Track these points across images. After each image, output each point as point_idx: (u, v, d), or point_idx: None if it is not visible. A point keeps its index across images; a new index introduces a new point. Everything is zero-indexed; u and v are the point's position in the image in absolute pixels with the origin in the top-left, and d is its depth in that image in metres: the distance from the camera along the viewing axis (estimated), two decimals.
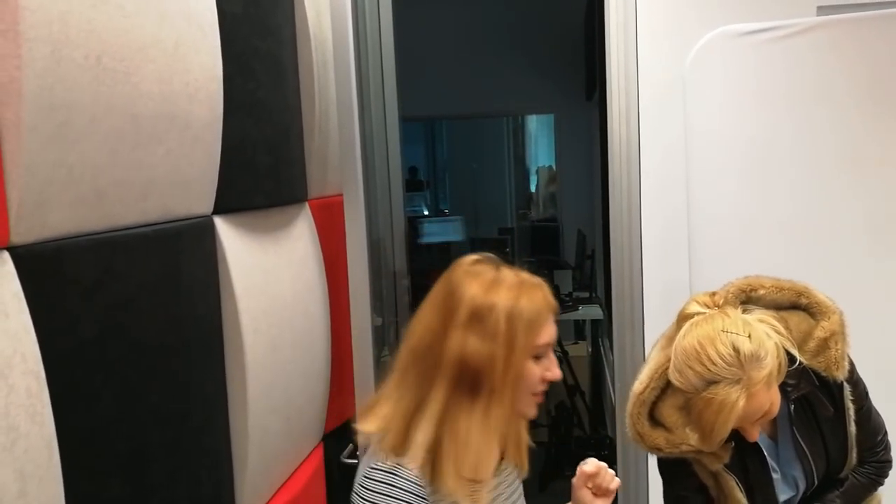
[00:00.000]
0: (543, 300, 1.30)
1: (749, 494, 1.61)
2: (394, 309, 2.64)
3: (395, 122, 2.53)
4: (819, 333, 1.56)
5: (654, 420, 1.57)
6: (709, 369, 1.40)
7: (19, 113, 0.94)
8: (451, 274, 1.28)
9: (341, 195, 2.11)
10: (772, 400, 1.44)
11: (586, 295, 5.39)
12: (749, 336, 1.41)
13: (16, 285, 0.94)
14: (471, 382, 1.22)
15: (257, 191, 1.65)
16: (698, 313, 1.52)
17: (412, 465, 1.20)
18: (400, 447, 1.21)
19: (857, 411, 1.60)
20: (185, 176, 1.34)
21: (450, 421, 1.21)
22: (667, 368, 1.52)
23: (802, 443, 1.58)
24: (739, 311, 1.53)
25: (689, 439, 1.52)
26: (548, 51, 5.72)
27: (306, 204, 1.98)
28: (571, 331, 5.45)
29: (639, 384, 1.58)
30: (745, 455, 1.60)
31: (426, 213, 7.74)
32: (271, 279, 1.68)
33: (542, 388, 1.30)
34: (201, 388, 1.38)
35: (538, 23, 5.69)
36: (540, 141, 8.07)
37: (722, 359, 1.39)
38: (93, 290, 1.08)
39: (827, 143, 2.22)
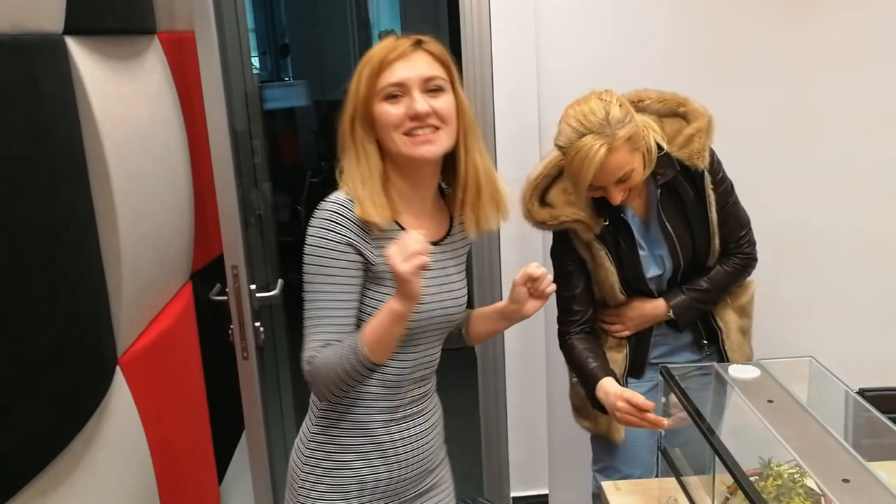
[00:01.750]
0: (391, 43, 1.40)
1: (619, 267, 1.87)
2: (250, 169, 2.61)
3: None
4: (687, 130, 1.81)
5: (544, 202, 1.86)
6: (581, 122, 1.66)
7: None
8: None
9: (192, 32, 2.05)
10: (633, 165, 1.70)
11: None
12: (620, 106, 1.68)
13: None
14: (345, 141, 1.42)
15: (106, 14, 1.59)
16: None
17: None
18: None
19: (719, 203, 1.86)
20: None
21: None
22: (559, 161, 1.81)
23: (668, 224, 1.84)
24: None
25: (567, 212, 1.81)
26: None
27: (156, 37, 1.92)
28: None
29: (534, 172, 1.89)
30: (617, 232, 1.86)
31: (265, 77, 7.50)
32: (129, 108, 1.65)
33: (411, 125, 1.38)
34: (71, 209, 1.37)
35: None
36: (382, 3, 7.92)
37: (593, 114, 1.66)
38: None
39: (673, 44, 2.35)
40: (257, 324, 2.17)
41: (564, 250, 1.91)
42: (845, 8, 2.44)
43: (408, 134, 1.38)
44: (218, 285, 2.24)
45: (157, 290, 1.82)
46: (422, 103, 1.37)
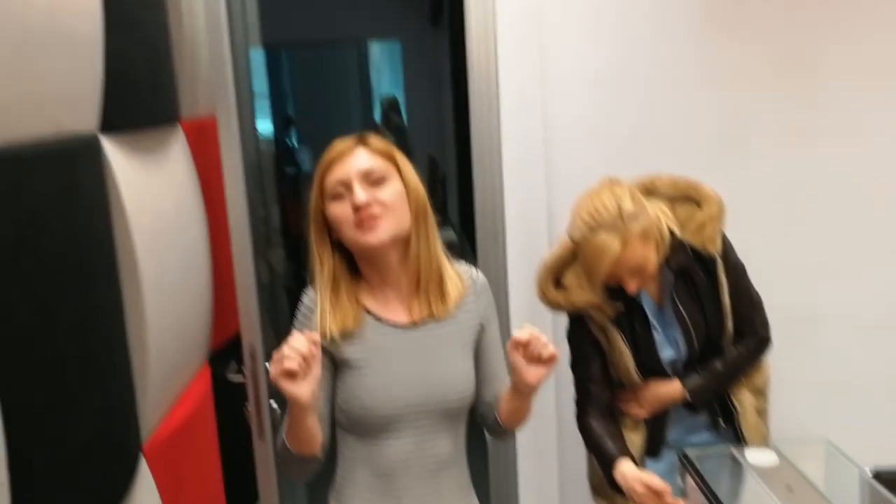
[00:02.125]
0: (338, 144, 1.51)
1: (635, 350, 1.89)
2: (265, 236, 2.67)
3: (258, 44, 2.52)
4: (699, 217, 1.86)
5: (559, 285, 1.89)
6: (594, 218, 1.70)
7: None
8: None
9: (212, 117, 2.11)
10: (647, 256, 1.74)
11: (439, 219, 5.55)
12: (632, 199, 1.72)
13: None
14: (311, 242, 1.53)
15: (138, 109, 1.64)
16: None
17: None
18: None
19: (732, 287, 1.89)
20: (73, 92, 1.33)
21: None
22: (574, 246, 1.83)
23: (682, 308, 1.86)
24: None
25: (582, 295, 1.84)
26: None
27: (179, 125, 1.97)
28: None
29: (549, 256, 1.93)
30: (632, 315, 1.89)
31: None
32: (156, 199, 1.69)
33: (356, 217, 1.46)
34: (103, 304, 1.40)
35: None
36: (383, 70, 8.08)
37: (605, 209, 1.70)
38: (3, 204, 1.08)
39: (672, 60, 2.44)
40: (273, 402, 2.18)
41: (580, 333, 1.94)
42: (851, 88, 2.50)
43: (357, 225, 1.46)
44: (233, 363, 2.25)
45: (178, 376, 1.84)
46: (360, 194, 1.44)
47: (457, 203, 4.82)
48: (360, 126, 7.77)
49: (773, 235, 2.54)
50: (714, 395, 1.96)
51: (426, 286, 1.53)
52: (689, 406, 1.96)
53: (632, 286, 1.77)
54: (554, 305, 1.91)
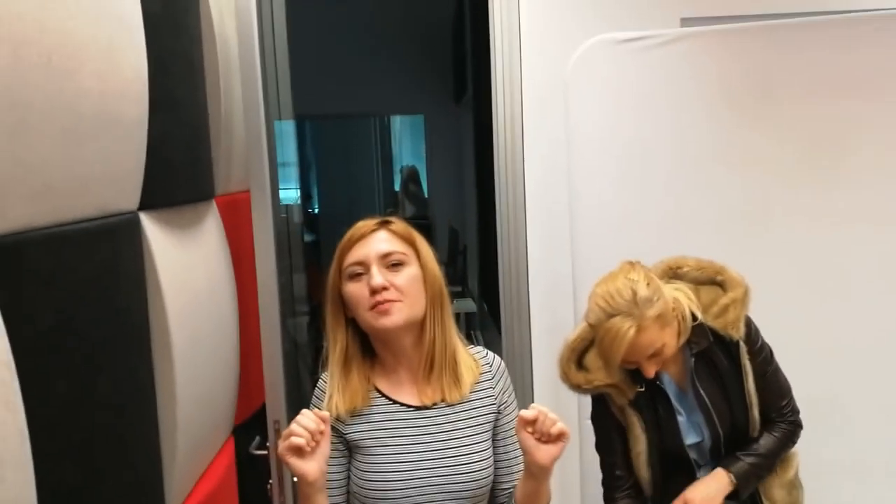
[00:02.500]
0: (358, 226, 1.52)
1: (658, 432, 1.85)
2: (291, 304, 2.69)
3: (290, 120, 2.58)
4: (723, 300, 1.83)
5: (581, 365, 1.87)
6: (608, 303, 1.69)
7: None
8: None
9: (244, 192, 2.15)
10: (664, 341, 1.72)
11: (459, 289, 5.57)
12: (647, 284, 1.70)
13: None
14: (327, 317, 1.53)
15: (176, 187, 1.68)
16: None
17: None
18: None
19: (758, 372, 1.85)
20: (116, 172, 1.37)
21: None
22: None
23: (703, 392, 1.83)
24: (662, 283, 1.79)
25: (601, 377, 1.82)
26: (416, 54, 5.87)
27: (213, 201, 2.01)
28: None
29: (571, 336, 1.90)
30: (654, 398, 1.86)
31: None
32: (190, 274, 1.72)
33: (372, 299, 1.46)
34: (137, 380, 1.41)
35: (407, 27, 5.82)
36: (404, 141, 8.21)
37: (620, 295, 1.68)
38: (48, 283, 1.10)
39: (692, 143, 2.47)
40: (296, 479, 2.16)
41: (603, 414, 1.91)
42: (877, 172, 2.50)
43: (372, 308, 1.46)
44: (258, 438, 2.24)
45: (204, 450, 1.83)
46: (377, 277, 1.45)
47: (477, 273, 4.84)
48: (380, 195, 7.87)
49: (797, 316, 2.52)
50: (758, 480, 1.88)
51: (440, 371, 1.53)
52: (733, 496, 1.88)
53: (650, 370, 1.75)
54: (576, 387, 1.89)
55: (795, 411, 1.93)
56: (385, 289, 1.45)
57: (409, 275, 1.48)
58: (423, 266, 1.51)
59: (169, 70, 1.61)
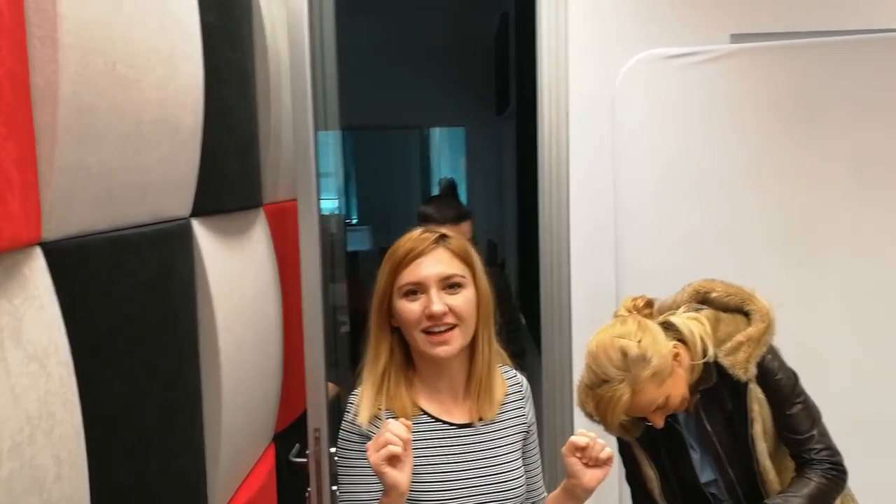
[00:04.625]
0: (412, 241, 1.46)
1: (673, 468, 1.79)
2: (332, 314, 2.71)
3: (337, 130, 2.61)
4: (738, 337, 1.73)
5: None
6: (601, 369, 1.62)
7: (54, 116, 0.98)
8: None
9: (292, 200, 2.17)
10: (666, 394, 1.64)
11: (497, 304, 5.54)
12: (639, 341, 1.61)
13: (48, 279, 0.98)
14: (371, 328, 1.49)
15: (227, 195, 1.70)
16: (619, 315, 1.75)
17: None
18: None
19: (777, 409, 1.73)
20: (172, 179, 1.39)
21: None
22: None
23: (711, 431, 1.75)
24: (684, 308, 1.73)
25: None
26: (460, 66, 5.89)
27: (261, 209, 2.04)
28: None
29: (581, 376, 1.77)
30: (669, 433, 1.77)
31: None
32: (238, 281, 1.74)
33: (428, 324, 1.42)
34: (186, 386, 1.43)
35: (451, 39, 5.85)
36: (443, 153, 8.24)
37: (610, 362, 1.61)
38: (107, 286, 1.12)
39: (737, 160, 2.44)
40: (334, 488, 2.17)
41: (621, 448, 1.86)
42: None
43: (426, 332, 1.43)
44: (297, 446, 2.26)
45: (246, 456, 1.85)
46: (438, 304, 1.41)
47: (516, 287, 4.83)
48: (419, 206, 7.89)
49: (841, 338, 2.47)
50: None
51: (478, 388, 1.51)
52: None
53: (658, 421, 1.68)
54: (588, 415, 1.76)
55: (832, 451, 1.75)
56: (444, 314, 1.42)
57: (466, 298, 1.45)
58: (477, 287, 1.48)
59: (224, 80, 1.64)
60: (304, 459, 2.17)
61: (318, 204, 2.16)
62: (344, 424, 1.49)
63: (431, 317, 1.41)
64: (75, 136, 1.03)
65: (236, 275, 1.73)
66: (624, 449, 1.86)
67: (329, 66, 2.53)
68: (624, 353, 1.60)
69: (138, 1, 1.19)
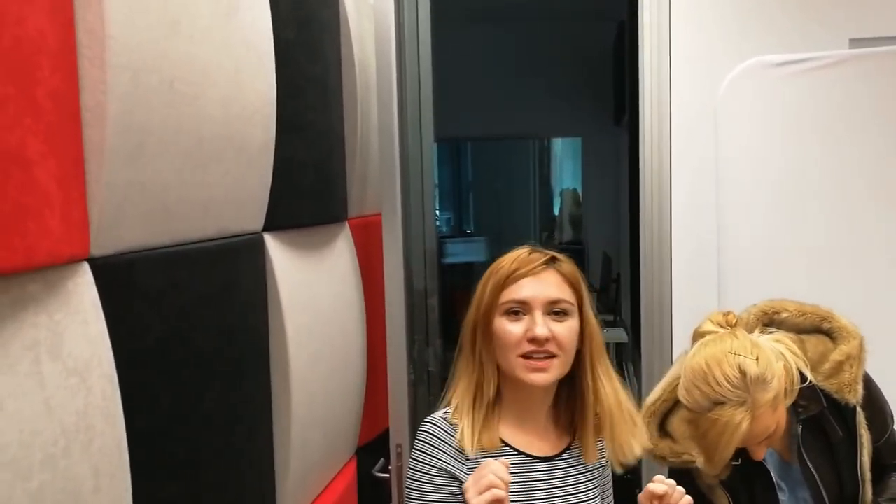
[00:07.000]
0: (519, 259, 1.37)
1: None
2: (424, 327, 2.70)
3: (430, 144, 2.59)
4: (835, 356, 1.56)
5: (664, 431, 1.59)
6: (714, 390, 1.41)
7: (103, 135, 1.01)
8: None
9: (379, 214, 2.18)
10: (777, 421, 1.47)
11: (611, 318, 5.41)
12: (756, 359, 1.43)
13: (94, 294, 1.00)
14: (464, 347, 1.38)
15: (303, 210, 1.72)
16: (710, 332, 1.54)
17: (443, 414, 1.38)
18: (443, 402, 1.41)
19: (875, 441, 1.58)
20: (239, 195, 1.41)
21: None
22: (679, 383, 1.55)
23: (811, 465, 1.58)
24: (757, 332, 1.58)
25: (692, 451, 1.54)
26: (577, 75, 5.81)
27: (346, 223, 2.05)
28: None
29: (652, 396, 1.62)
30: (752, 474, 1.60)
31: (447, 232, 7.82)
32: (314, 295, 1.74)
33: (528, 348, 1.32)
34: (249, 398, 1.44)
35: (568, 48, 5.77)
36: (565, 164, 8.12)
37: (727, 381, 1.41)
38: (158, 301, 1.14)
39: (855, 173, 2.26)
40: None
41: (685, 485, 1.70)
42: None
43: (524, 356, 1.33)
44: (382, 460, 2.25)
45: (323, 469, 1.85)
46: (542, 328, 1.31)
47: (629, 302, 4.68)
48: (537, 217, 7.82)
49: None
50: None
51: (621, 427, 1.40)
52: None
53: (760, 454, 1.51)
54: (658, 457, 1.61)
55: None
56: (547, 340, 1.33)
57: (570, 327, 1.36)
58: (584, 318, 1.38)
59: (301, 94, 1.66)
60: (387, 474, 2.16)
61: (405, 217, 2.16)
62: (425, 452, 1.36)
63: (534, 340, 1.32)
64: (126, 154, 1.05)
65: (312, 289, 1.74)
66: (694, 493, 1.59)
67: (424, 78, 2.52)
68: (743, 373, 1.40)
69: (199, 21, 1.21)
